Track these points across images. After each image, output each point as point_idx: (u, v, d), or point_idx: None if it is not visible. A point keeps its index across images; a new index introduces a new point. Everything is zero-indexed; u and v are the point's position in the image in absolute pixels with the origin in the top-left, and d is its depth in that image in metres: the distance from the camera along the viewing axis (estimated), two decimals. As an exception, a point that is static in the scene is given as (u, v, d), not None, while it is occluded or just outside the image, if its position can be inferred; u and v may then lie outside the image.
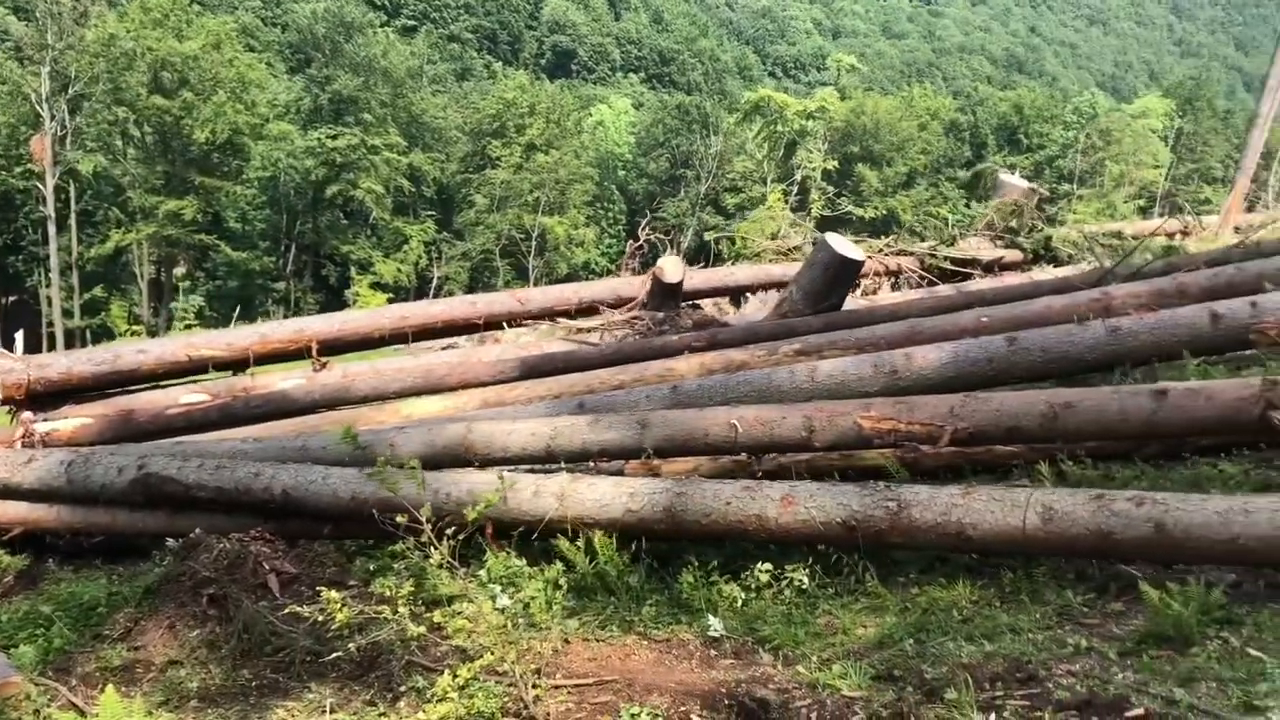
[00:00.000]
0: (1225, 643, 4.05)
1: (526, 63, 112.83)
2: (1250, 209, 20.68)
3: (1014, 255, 16.89)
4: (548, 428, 6.63)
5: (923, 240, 18.27)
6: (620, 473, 6.47)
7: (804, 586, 5.21)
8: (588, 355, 10.54)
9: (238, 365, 11.48)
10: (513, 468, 6.38)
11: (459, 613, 4.38)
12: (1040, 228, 17.27)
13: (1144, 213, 52.00)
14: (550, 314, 13.25)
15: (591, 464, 6.59)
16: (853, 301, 12.50)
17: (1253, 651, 3.93)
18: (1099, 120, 70.80)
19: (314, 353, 11.57)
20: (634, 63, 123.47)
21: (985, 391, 6.53)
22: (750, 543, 5.50)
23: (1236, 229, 17.76)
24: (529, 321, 13.31)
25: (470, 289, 58.34)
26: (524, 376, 10.04)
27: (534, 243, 64.38)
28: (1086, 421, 5.65)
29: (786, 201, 61.96)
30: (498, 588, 5.04)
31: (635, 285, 14.11)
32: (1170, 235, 18.22)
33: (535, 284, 59.66)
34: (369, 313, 13.74)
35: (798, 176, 66.62)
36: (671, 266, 13.22)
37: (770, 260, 17.90)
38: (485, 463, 6.52)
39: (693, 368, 9.14)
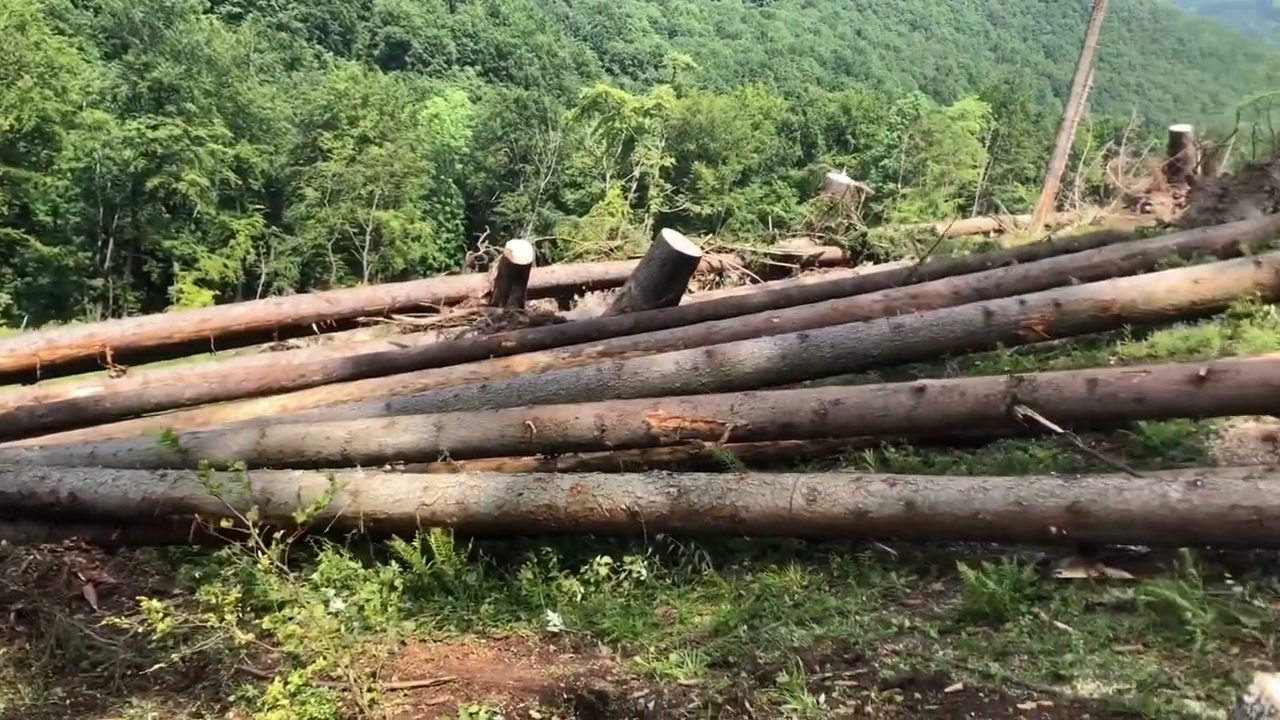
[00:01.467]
0: (1036, 617, 4.29)
1: (359, 53, 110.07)
2: (1060, 208, 21.87)
3: (835, 252, 17.57)
4: (343, 431, 6.56)
5: (738, 239, 18.83)
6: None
7: (642, 578, 5.27)
8: (395, 358, 10.35)
9: (26, 375, 10.88)
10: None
11: (290, 618, 4.24)
12: (855, 226, 18.00)
13: (963, 211, 54.39)
14: (362, 314, 13.03)
15: (388, 467, 6.51)
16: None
17: (1060, 625, 4.17)
18: (921, 121, 73.84)
19: (109, 359, 11.06)
20: (470, 56, 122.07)
21: (764, 390, 6.77)
22: (542, 533, 5.56)
23: (1047, 226, 18.80)
24: (370, 320, 13.05)
25: (302, 285, 56.66)
26: (329, 381, 9.81)
27: (368, 237, 62.97)
28: (853, 417, 5.89)
29: (626, 198, 62.39)
30: (331, 591, 4.93)
31: (455, 284, 14.10)
32: (986, 233, 19.17)
33: (370, 280, 58.42)
34: (167, 317, 13.23)
35: (636, 173, 67.16)
36: (521, 248, 13.25)
37: (592, 259, 18.10)
38: (279, 466, 6.36)
39: (497, 370, 9.12)
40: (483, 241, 18.14)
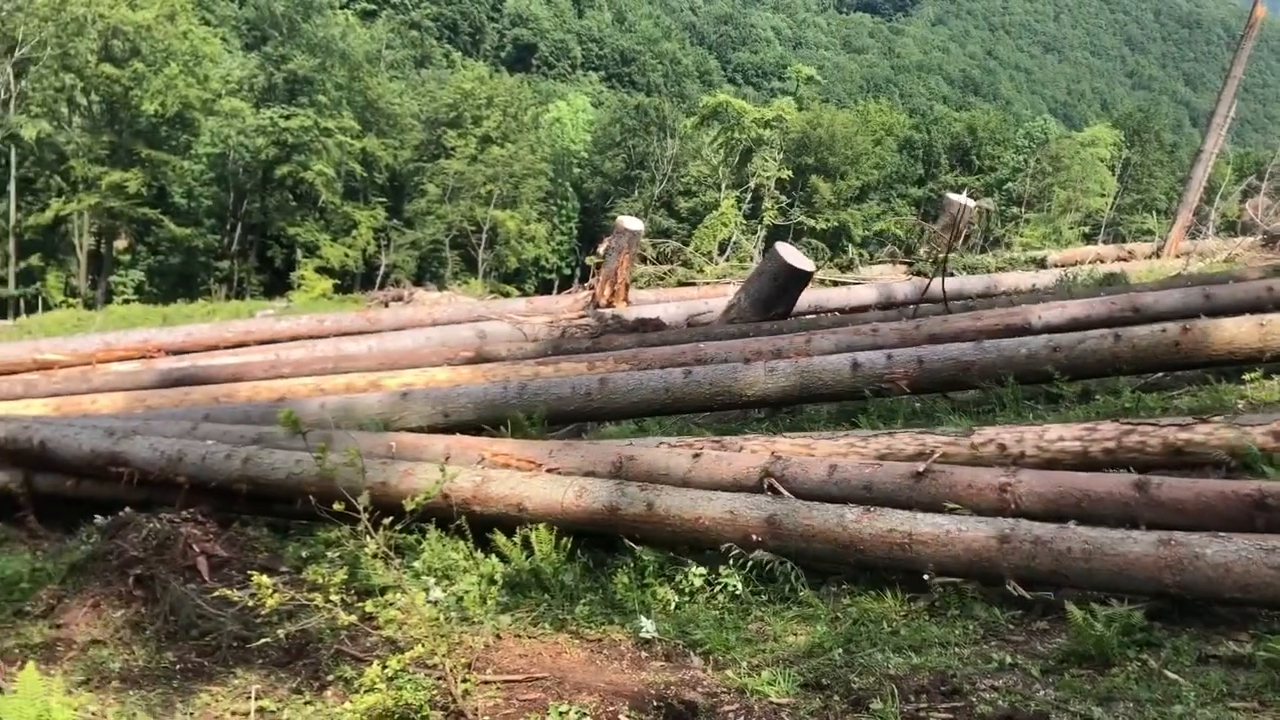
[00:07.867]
0: (1144, 664, 4.14)
1: (487, 54, 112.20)
2: (1192, 240, 21.10)
3: (920, 281, 17.21)
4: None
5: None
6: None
7: (737, 592, 5.25)
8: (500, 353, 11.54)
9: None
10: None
11: (391, 604, 4.33)
12: (948, 250, 17.64)
13: (1088, 239, 52.86)
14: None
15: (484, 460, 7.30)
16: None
17: (1169, 674, 4.02)
18: (1049, 146, 71.82)
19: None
20: (595, 61, 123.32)
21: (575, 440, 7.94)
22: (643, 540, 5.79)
23: (1178, 258, 18.19)
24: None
25: (418, 279, 57.70)
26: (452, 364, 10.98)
27: (484, 235, 63.97)
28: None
29: (740, 208, 62.16)
30: (431, 580, 5.01)
31: (498, 307, 15.69)
32: (1107, 261, 18.62)
33: (484, 277, 59.31)
34: (214, 326, 15.03)
35: (752, 184, 66.83)
36: (631, 220, 14.09)
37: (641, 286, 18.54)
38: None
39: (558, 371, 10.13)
40: (604, 245, 18.15)
